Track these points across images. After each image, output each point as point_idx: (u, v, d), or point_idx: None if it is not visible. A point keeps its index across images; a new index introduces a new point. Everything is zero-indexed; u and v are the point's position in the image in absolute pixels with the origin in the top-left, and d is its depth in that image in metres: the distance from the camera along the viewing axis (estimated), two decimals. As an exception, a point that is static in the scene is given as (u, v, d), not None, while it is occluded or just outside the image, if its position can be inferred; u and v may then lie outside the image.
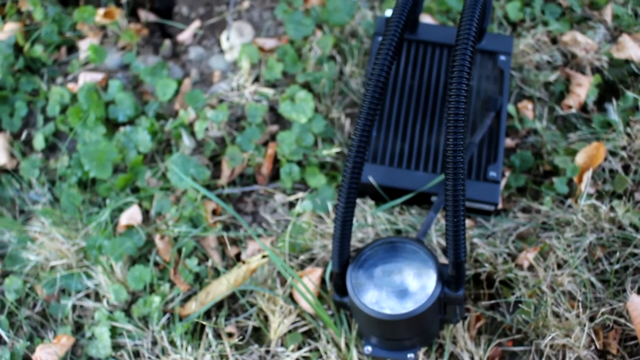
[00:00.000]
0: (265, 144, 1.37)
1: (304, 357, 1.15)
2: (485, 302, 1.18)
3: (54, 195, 1.34)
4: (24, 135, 1.42)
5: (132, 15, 1.58)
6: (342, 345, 1.13)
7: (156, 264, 1.25)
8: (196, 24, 1.53)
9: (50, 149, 1.41)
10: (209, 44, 1.51)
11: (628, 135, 1.29)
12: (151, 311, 1.19)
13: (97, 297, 1.24)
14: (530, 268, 1.17)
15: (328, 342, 1.15)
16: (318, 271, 1.19)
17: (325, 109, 1.39)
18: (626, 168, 1.28)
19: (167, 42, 1.52)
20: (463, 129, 0.87)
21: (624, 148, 1.29)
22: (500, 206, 1.26)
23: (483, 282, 1.19)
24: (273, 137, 1.38)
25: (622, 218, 1.19)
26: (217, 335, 1.18)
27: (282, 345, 1.17)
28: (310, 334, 1.18)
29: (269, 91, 1.40)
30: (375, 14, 1.48)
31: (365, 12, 1.48)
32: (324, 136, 1.36)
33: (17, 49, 1.49)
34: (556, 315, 1.11)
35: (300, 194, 1.30)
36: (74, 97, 1.42)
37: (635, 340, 1.10)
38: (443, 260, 1.18)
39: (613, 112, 1.34)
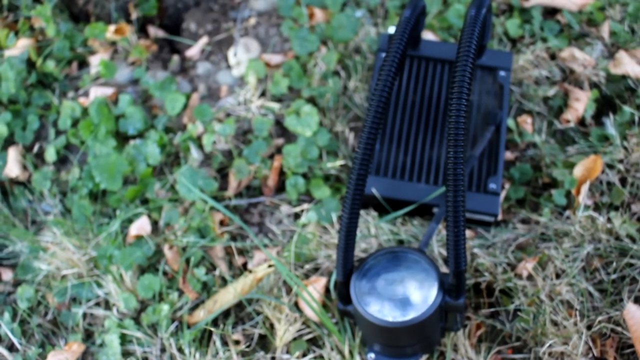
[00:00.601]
0: (271, 156, 1.39)
1: (308, 364, 1.17)
2: (485, 311, 1.19)
3: (65, 206, 1.36)
4: (36, 148, 1.44)
5: (142, 32, 1.61)
6: (346, 352, 1.14)
7: (165, 273, 1.27)
8: (204, 40, 1.55)
9: (62, 161, 1.43)
10: (216, 59, 1.53)
11: (625, 148, 1.31)
12: (160, 319, 1.20)
13: (107, 306, 1.25)
14: (529, 277, 1.18)
15: (332, 349, 1.16)
16: (322, 280, 1.21)
17: (330, 123, 1.41)
18: (623, 180, 1.29)
19: (175, 58, 1.55)
20: (463, 142, 0.89)
21: (621, 161, 1.30)
22: (500, 217, 1.28)
23: (483, 291, 1.21)
24: (279, 150, 1.40)
25: (619, 229, 1.21)
26: (224, 343, 1.20)
27: (287, 352, 1.18)
28: (315, 342, 1.19)
29: (275, 105, 1.43)
30: (379, 31, 1.50)
31: (368, 28, 1.50)
32: (329, 149, 1.37)
33: (30, 64, 1.52)
34: (554, 323, 1.13)
35: (305, 206, 1.32)
36: (85, 111, 1.44)
37: (631, 348, 1.11)
38: (444, 269, 1.19)
39: (610, 126, 1.35)
